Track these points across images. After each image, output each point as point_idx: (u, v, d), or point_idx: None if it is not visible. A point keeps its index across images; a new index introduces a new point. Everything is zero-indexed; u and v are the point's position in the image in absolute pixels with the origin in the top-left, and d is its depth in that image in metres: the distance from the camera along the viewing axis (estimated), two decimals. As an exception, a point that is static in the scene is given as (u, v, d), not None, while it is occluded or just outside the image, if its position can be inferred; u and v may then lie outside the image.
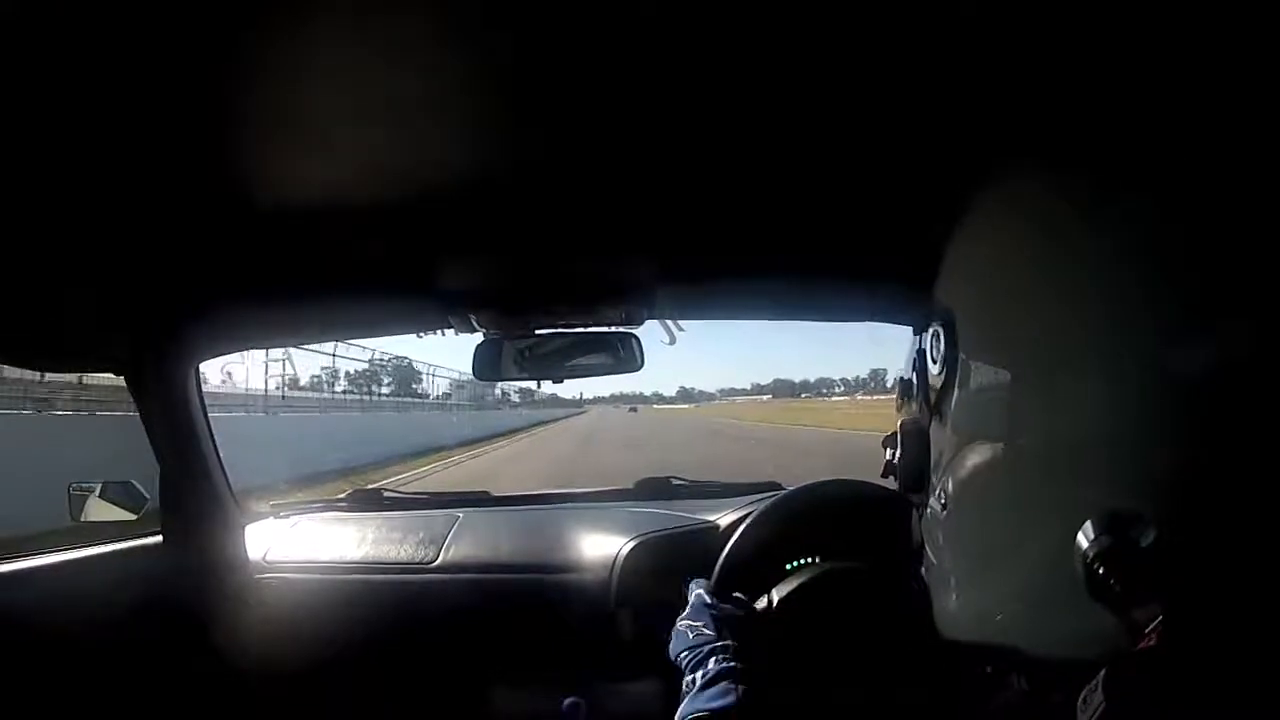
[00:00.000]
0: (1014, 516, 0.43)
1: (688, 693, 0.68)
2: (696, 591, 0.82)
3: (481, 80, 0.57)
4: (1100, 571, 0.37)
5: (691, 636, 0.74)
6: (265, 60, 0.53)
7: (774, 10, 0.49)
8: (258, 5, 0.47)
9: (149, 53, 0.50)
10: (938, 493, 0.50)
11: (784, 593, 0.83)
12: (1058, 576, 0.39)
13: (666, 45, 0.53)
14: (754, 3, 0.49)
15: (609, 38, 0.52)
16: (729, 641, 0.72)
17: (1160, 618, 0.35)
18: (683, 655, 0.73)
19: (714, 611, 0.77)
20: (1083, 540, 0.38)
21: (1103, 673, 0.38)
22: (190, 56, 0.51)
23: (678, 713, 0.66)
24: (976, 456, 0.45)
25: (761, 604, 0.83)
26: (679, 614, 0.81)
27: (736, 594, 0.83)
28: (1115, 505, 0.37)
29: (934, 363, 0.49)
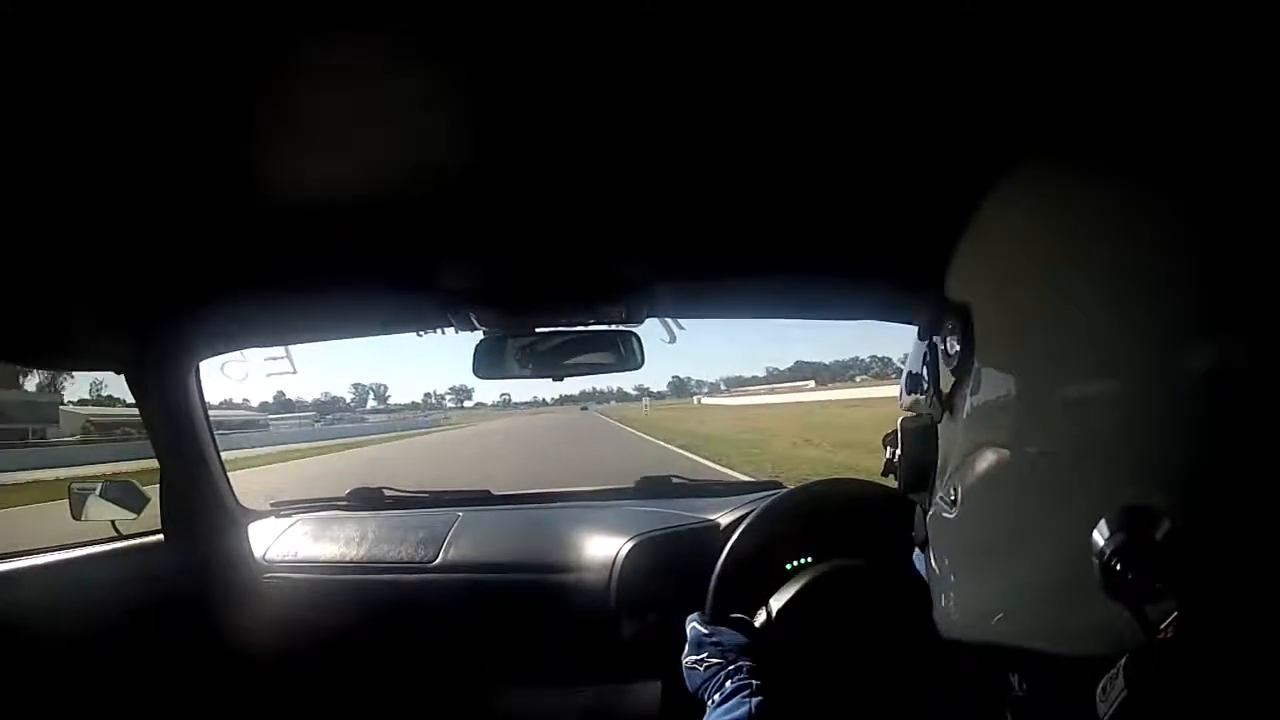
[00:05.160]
0: (1028, 519, 0.43)
1: (708, 714, 0.71)
2: (692, 625, 0.83)
3: (482, 81, 0.57)
4: (1117, 567, 0.36)
5: (703, 670, 0.77)
6: (266, 61, 0.53)
7: (772, 13, 0.49)
8: (257, 5, 0.46)
9: (150, 54, 0.50)
10: (947, 492, 0.49)
11: (782, 602, 0.83)
12: (1071, 578, 0.39)
13: (666, 46, 0.53)
14: (751, 5, 0.49)
15: (609, 38, 0.52)
16: (741, 663, 0.75)
17: (1176, 613, 0.35)
18: (700, 689, 0.76)
19: (714, 641, 0.79)
20: (1098, 537, 0.37)
21: (1123, 661, 0.37)
22: (192, 58, 0.51)
23: None
24: (991, 459, 0.45)
25: (760, 619, 0.83)
26: (678, 614, 0.82)
27: (735, 615, 0.84)
28: (1133, 503, 0.37)
29: (947, 362, 0.49)
